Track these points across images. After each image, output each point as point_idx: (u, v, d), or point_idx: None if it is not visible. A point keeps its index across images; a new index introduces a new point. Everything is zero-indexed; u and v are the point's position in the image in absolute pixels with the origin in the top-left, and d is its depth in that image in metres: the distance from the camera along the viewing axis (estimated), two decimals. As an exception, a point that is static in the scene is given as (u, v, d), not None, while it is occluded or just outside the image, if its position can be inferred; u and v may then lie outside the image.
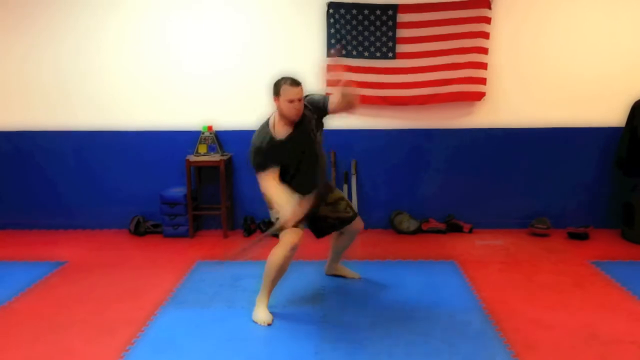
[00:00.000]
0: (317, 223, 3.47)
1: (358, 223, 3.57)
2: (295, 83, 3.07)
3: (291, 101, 3.05)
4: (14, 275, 3.90)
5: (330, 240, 3.67)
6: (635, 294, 3.46)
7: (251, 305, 3.33)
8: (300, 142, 3.18)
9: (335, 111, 3.23)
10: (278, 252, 3.12)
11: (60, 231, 4.97)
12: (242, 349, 2.87)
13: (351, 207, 3.52)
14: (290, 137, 3.15)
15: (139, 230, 4.83)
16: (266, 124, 3.21)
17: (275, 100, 3.14)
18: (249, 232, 4.82)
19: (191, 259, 4.20)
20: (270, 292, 3.24)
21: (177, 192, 4.76)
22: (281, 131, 3.16)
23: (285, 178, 3.19)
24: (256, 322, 3.15)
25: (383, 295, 3.51)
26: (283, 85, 3.07)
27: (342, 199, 3.50)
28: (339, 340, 2.94)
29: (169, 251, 4.43)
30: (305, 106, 3.17)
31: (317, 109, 3.24)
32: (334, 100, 3.20)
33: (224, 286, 3.67)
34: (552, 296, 3.47)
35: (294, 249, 3.12)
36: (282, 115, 3.14)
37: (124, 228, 4.94)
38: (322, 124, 3.31)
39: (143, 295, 3.53)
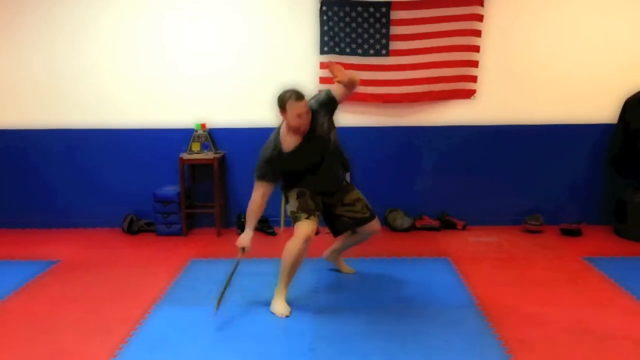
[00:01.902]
0: (332, 221, 3.53)
1: (374, 225, 3.57)
2: (299, 97, 3.08)
3: (299, 115, 3.08)
4: (7, 274, 3.87)
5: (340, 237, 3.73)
6: (628, 289, 3.48)
7: (245, 302, 3.35)
8: (314, 148, 3.24)
9: (342, 96, 3.25)
10: (292, 246, 3.18)
11: (53, 230, 4.95)
12: (237, 347, 2.86)
13: (369, 209, 3.52)
14: (299, 147, 3.20)
15: (132, 229, 4.81)
16: (277, 134, 3.24)
17: (282, 114, 3.16)
18: (243, 230, 4.78)
19: (185, 257, 4.19)
20: (287, 284, 3.29)
21: (171, 190, 4.74)
22: (290, 142, 3.20)
23: (303, 180, 3.31)
24: (274, 314, 3.20)
25: (377, 292, 3.51)
26: (288, 100, 3.08)
27: (359, 199, 3.50)
28: (334, 336, 2.94)
29: (163, 249, 4.42)
30: (313, 112, 3.17)
31: (325, 105, 3.23)
32: (336, 88, 3.22)
33: (218, 284, 3.63)
34: (546, 292, 3.49)
35: (307, 241, 3.17)
36: (291, 128, 3.16)
37: (117, 227, 4.92)
38: (333, 124, 3.32)
39: (137, 294, 3.51)
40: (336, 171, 3.42)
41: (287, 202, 3.41)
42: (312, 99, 3.26)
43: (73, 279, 3.81)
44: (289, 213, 3.36)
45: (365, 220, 3.51)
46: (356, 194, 3.53)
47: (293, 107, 3.06)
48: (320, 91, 3.41)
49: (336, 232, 3.59)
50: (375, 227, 3.59)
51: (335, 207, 3.46)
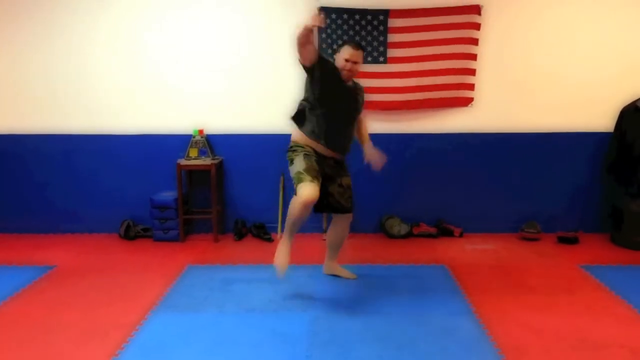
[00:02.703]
0: (321, 196, 3.45)
1: (350, 217, 3.70)
2: (357, 46, 3.35)
3: (347, 59, 3.31)
4: (3, 280, 3.85)
5: (325, 239, 3.86)
6: (625, 298, 3.49)
7: (241, 308, 3.35)
8: (350, 96, 3.48)
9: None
10: (295, 204, 3.27)
11: (50, 235, 4.93)
12: (233, 353, 2.85)
13: (352, 201, 3.65)
14: (343, 82, 3.40)
15: (129, 235, 4.80)
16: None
17: (335, 56, 3.44)
18: (239, 236, 4.81)
19: (182, 263, 4.19)
20: (291, 235, 3.42)
21: (168, 196, 4.74)
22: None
23: (317, 110, 3.38)
24: (275, 266, 3.38)
25: (374, 299, 3.51)
26: (345, 45, 3.37)
27: (349, 188, 3.62)
28: (330, 344, 2.93)
29: (159, 255, 4.41)
30: (360, 85, 3.60)
31: (360, 97, 3.60)
32: (361, 127, 3.69)
33: (215, 290, 3.65)
34: (542, 300, 3.49)
35: (308, 205, 3.22)
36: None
37: (114, 232, 4.91)
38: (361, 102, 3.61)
39: (133, 300, 3.50)
40: (350, 134, 3.54)
41: (291, 163, 3.41)
42: (363, 90, 3.62)
43: (69, 284, 3.80)
44: (292, 174, 3.36)
45: (346, 210, 3.62)
46: (349, 180, 3.63)
47: (345, 51, 3.33)
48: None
49: (318, 209, 3.53)
50: (349, 220, 3.70)
51: (332, 183, 3.51)
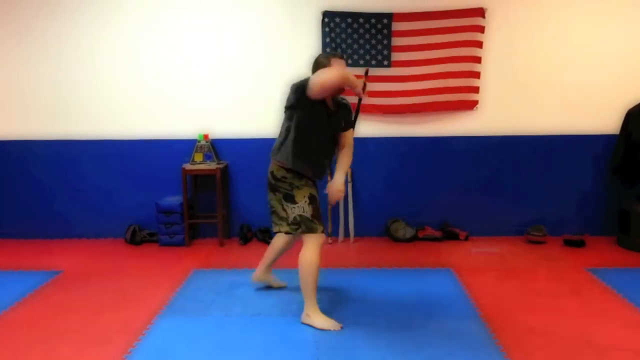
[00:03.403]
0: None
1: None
2: (341, 56, 3.18)
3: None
4: (10, 285, 3.88)
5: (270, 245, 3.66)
6: (632, 301, 3.47)
7: (247, 313, 3.35)
8: (334, 120, 3.20)
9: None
10: (312, 257, 3.10)
11: (56, 240, 4.96)
12: (239, 358, 2.86)
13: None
14: (326, 106, 3.16)
15: (135, 239, 4.82)
16: None
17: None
18: (245, 240, 4.82)
19: (187, 267, 4.20)
20: (315, 296, 3.18)
21: (173, 200, 4.76)
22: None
23: (310, 144, 3.15)
24: (327, 329, 3.11)
25: (379, 303, 3.50)
26: (334, 57, 3.13)
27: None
28: (336, 348, 2.93)
29: (165, 260, 4.42)
30: (343, 103, 3.29)
31: (345, 113, 3.30)
32: (343, 137, 3.30)
33: (221, 294, 3.66)
34: (549, 303, 3.47)
35: (321, 246, 3.16)
36: None
37: (120, 237, 4.93)
38: (342, 125, 3.29)
39: (139, 304, 3.52)
40: (330, 156, 3.33)
41: (289, 199, 3.15)
42: (348, 107, 3.34)
43: (76, 289, 3.82)
44: (294, 214, 3.15)
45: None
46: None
47: (338, 62, 3.09)
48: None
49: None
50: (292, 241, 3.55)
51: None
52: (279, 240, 3.58)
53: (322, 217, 3.21)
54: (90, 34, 4.71)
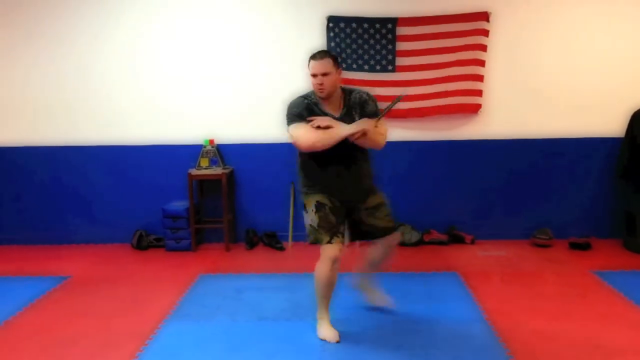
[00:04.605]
0: (351, 227, 3.17)
1: (395, 237, 3.18)
2: (315, 56, 2.92)
3: (313, 75, 2.91)
4: (18, 290, 3.90)
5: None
6: (638, 303, 3.46)
7: (253, 317, 3.36)
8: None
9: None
10: (321, 270, 2.97)
11: (64, 246, 4.98)
12: (246, 362, 2.87)
13: (392, 218, 3.15)
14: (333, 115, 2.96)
15: (142, 245, 4.84)
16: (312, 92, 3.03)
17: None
18: (251, 245, 4.83)
19: (194, 272, 4.21)
20: (326, 307, 3.09)
21: (179, 205, 4.78)
22: (325, 105, 3.00)
23: (323, 166, 2.98)
24: (324, 340, 3.05)
25: (386, 307, 3.50)
26: (309, 60, 2.93)
27: (382, 205, 3.12)
28: (342, 351, 2.93)
29: (172, 265, 4.44)
30: (362, 102, 2.99)
31: (364, 111, 2.99)
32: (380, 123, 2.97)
33: (227, 299, 3.67)
34: (555, 307, 3.47)
35: (335, 262, 2.93)
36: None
37: (127, 242, 4.95)
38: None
39: (146, 309, 3.53)
40: (361, 173, 3.07)
41: (303, 209, 3.08)
42: (369, 97, 3.03)
43: (83, 294, 3.84)
44: (306, 224, 3.05)
45: (383, 232, 3.11)
46: (379, 197, 3.14)
47: (309, 66, 2.91)
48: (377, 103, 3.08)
49: (353, 238, 3.22)
50: (395, 240, 3.20)
51: (355, 210, 3.08)
52: (370, 247, 3.27)
53: (333, 224, 2.97)
54: (95, 40, 4.75)
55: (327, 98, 2.96)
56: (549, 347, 2.95)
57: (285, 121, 3.03)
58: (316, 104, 2.99)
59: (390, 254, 3.24)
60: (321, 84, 2.90)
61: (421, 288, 3.81)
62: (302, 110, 2.96)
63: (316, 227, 2.98)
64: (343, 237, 3.04)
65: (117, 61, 4.79)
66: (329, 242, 2.94)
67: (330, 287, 3.03)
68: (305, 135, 2.89)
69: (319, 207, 2.99)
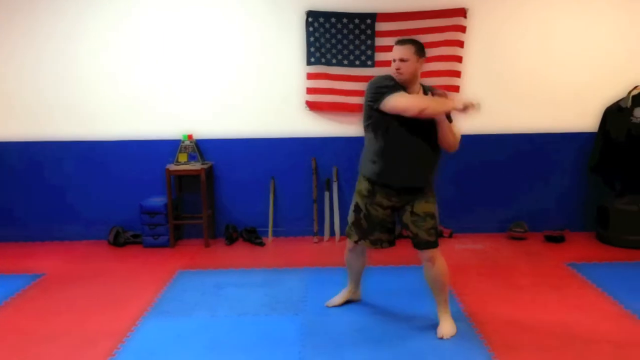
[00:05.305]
0: (396, 226, 3.22)
1: (431, 254, 3.08)
2: (400, 41, 2.90)
3: (393, 59, 2.87)
4: (-9, 289, 3.82)
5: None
6: (611, 294, 3.54)
7: (233, 313, 3.35)
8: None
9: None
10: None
11: (37, 243, 4.89)
12: (226, 357, 2.86)
13: (435, 232, 3.05)
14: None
15: (119, 241, 4.77)
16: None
17: None
18: (230, 241, 4.81)
19: (172, 268, 4.18)
20: (350, 279, 3.45)
21: (158, 201, 4.73)
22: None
23: (392, 145, 2.93)
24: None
25: (364, 300, 3.52)
26: (394, 44, 2.91)
27: (431, 216, 3.02)
28: (322, 347, 2.94)
29: (150, 261, 4.39)
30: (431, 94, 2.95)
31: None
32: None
33: (206, 295, 3.65)
34: (531, 298, 3.54)
35: (352, 250, 3.30)
36: None
37: (103, 239, 4.88)
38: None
39: (124, 306, 3.49)
40: (425, 162, 3.01)
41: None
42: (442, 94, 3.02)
43: (59, 292, 3.77)
44: (349, 212, 3.18)
45: (421, 244, 3.05)
46: (431, 206, 3.03)
47: (393, 50, 2.89)
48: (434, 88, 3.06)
49: (393, 242, 3.22)
50: (432, 258, 3.08)
51: (403, 211, 3.04)
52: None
53: (363, 229, 3.09)
54: (72, 33, 4.65)
55: (407, 84, 2.91)
56: (525, 338, 3.00)
57: (371, 97, 2.89)
58: (401, 87, 2.90)
59: (438, 273, 3.11)
60: (398, 69, 2.86)
61: (398, 281, 3.84)
62: (396, 83, 2.89)
63: (350, 224, 3.19)
64: (374, 244, 3.15)
65: (93, 55, 4.70)
66: (356, 242, 3.17)
67: (349, 268, 3.40)
68: (415, 100, 2.82)
69: (356, 209, 3.14)
